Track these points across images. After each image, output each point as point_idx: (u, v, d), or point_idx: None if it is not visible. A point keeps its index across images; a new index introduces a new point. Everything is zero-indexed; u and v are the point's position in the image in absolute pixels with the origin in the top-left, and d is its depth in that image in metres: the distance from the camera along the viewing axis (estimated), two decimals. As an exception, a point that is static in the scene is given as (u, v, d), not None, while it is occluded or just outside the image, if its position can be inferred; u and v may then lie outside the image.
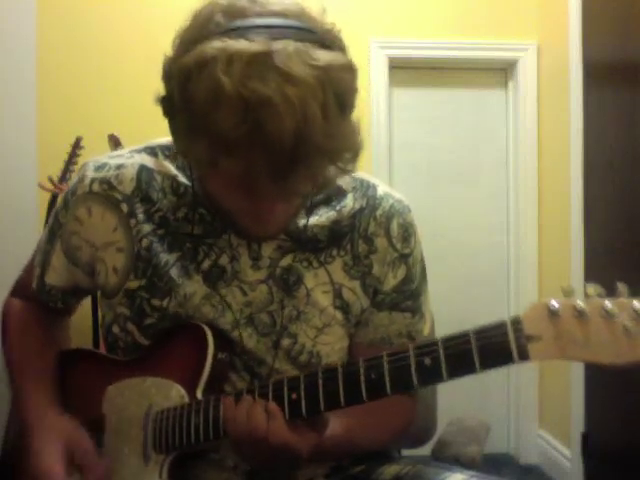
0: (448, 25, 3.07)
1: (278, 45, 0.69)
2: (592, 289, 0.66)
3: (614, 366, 0.65)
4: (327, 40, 0.73)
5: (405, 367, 0.73)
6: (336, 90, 0.70)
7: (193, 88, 0.70)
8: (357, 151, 0.77)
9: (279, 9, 0.73)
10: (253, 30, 0.70)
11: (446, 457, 1.19)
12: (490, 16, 3.08)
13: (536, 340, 0.67)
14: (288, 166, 0.70)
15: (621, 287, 0.65)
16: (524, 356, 0.68)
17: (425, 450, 1.25)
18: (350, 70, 0.74)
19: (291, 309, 0.91)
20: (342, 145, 0.73)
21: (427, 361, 0.72)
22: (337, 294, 0.93)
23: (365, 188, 0.96)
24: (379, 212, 0.94)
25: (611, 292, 0.66)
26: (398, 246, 0.94)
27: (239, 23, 0.71)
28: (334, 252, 0.93)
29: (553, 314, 0.67)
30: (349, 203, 0.94)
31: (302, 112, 0.67)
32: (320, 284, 0.92)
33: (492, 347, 0.69)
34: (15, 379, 0.97)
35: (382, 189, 0.97)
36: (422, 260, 0.99)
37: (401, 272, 0.95)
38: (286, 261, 0.91)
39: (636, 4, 2.23)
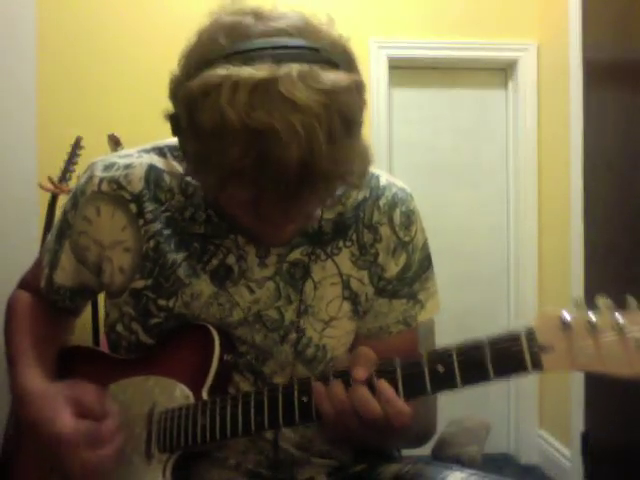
0: (448, 25, 3.07)
1: (282, 70, 0.67)
2: (602, 302, 0.68)
3: (625, 378, 0.66)
4: (333, 57, 0.72)
5: (419, 374, 0.74)
6: (342, 112, 0.69)
7: (199, 116, 0.69)
8: (366, 168, 0.78)
9: (283, 26, 0.72)
10: (256, 53, 0.69)
11: (446, 457, 1.18)
12: (490, 16, 3.08)
13: (549, 351, 0.69)
14: (295, 192, 0.70)
15: (630, 300, 0.67)
16: (537, 366, 0.69)
17: (425, 450, 1.25)
18: (357, 88, 0.72)
19: (298, 303, 0.91)
20: (350, 166, 0.73)
21: (440, 369, 0.73)
22: (346, 285, 0.93)
23: (368, 179, 0.96)
24: (382, 201, 0.95)
25: (613, 297, 0.67)
26: (400, 234, 0.95)
27: (242, 46, 0.70)
28: (340, 243, 0.93)
29: (565, 326, 0.68)
30: (352, 194, 0.94)
31: (307, 140, 0.67)
32: (328, 276, 0.92)
33: (506, 356, 0.71)
34: (13, 360, 0.94)
35: (385, 178, 0.97)
36: (424, 248, 0.98)
37: (402, 260, 0.95)
38: (294, 256, 0.91)
39: (636, 4, 2.23)
